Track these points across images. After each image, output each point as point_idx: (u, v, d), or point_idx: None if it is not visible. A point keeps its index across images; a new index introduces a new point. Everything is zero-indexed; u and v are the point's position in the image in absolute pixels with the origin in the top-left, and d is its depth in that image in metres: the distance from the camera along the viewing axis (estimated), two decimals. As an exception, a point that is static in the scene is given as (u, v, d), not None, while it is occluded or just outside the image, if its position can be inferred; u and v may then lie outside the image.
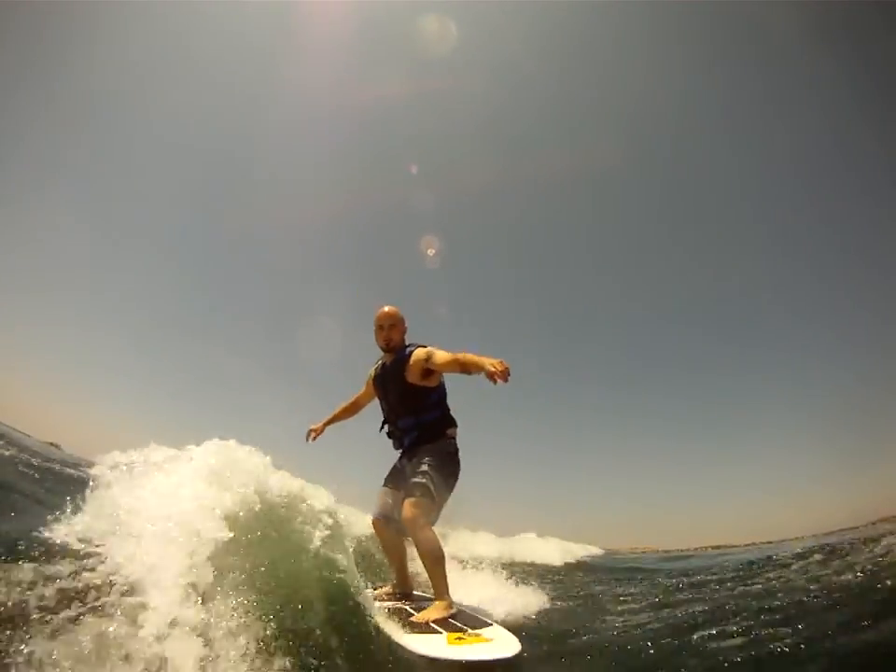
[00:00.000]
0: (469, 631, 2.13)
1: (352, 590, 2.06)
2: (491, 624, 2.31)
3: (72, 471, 5.60)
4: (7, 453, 5.44)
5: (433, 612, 2.32)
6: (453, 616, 2.33)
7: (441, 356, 2.58)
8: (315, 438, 3.10)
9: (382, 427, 2.97)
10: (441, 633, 2.08)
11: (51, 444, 7.60)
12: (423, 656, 1.84)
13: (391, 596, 2.82)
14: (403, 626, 2.16)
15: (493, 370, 2.08)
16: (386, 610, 2.38)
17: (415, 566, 2.91)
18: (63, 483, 4.64)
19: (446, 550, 2.52)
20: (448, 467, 2.67)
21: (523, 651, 1.97)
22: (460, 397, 2.97)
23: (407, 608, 2.57)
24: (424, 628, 2.15)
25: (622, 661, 2.20)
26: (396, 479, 2.83)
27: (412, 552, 2.75)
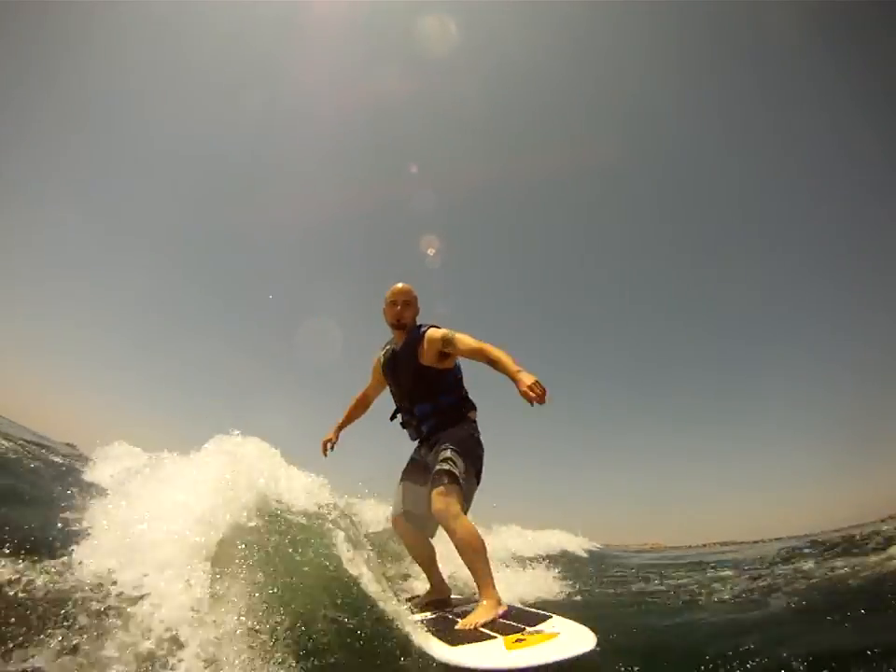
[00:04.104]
0: (528, 630, 1.78)
1: (380, 603, 1.83)
2: (551, 616, 1.97)
3: (85, 471, 5.86)
4: (26, 452, 5.70)
5: (481, 614, 1.97)
6: (504, 615, 1.97)
7: (464, 340, 2.36)
8: (332, 447, 2.86)
9: (393, 417, 2.70)
10: (495, 637, 1.73)
11: (68, 445, 7.87)
12: (481, 670, 1.52)
13: (427, 606, 2.48)
14: (448, 638, 1.80)
15: (529, 393, 1.91)
16: (424, 623, 2.08)
17: (450, 565, 2.69)
18: (78, 483, 4.88)
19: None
20: (474, 452, 2.40)
21: (598, 645, 1.64)
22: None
23: (448, 615, 2.23)
24: (473, 635, 1.79)
25: (698, 652, 2.04)
26: (415, 472, 2.55)
27: (441, 550, 2.54)
